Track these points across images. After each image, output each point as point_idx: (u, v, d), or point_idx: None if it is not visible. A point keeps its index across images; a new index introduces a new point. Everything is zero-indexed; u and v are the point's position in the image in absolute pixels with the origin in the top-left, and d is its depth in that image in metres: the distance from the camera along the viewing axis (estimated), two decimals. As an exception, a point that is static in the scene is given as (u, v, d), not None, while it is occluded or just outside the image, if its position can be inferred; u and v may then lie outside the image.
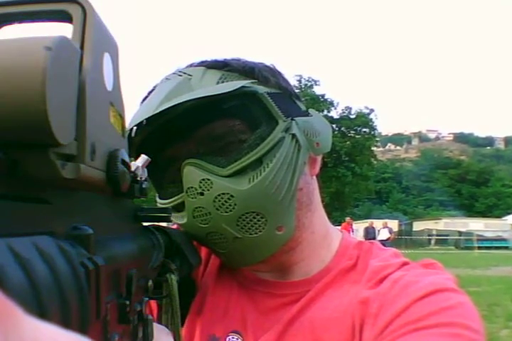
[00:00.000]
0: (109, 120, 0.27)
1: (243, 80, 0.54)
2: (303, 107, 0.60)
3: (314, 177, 0.61)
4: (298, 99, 0.60)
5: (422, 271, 0.54)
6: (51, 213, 0.22)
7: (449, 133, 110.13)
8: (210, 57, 0.58)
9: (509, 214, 36.91)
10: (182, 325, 0.55)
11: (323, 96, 24.48)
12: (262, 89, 0.54)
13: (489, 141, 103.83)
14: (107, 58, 0.26)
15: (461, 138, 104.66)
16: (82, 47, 0.24)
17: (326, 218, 0.64)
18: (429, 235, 26.18)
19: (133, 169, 0.33)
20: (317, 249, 0.60)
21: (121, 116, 0.29)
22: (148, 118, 0.50)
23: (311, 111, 0.61)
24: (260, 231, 0.52)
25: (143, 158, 0.36)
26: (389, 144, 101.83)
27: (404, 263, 0.56)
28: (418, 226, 30.56)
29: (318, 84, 24.58)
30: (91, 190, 0.27)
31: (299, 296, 0.56)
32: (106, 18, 0.26)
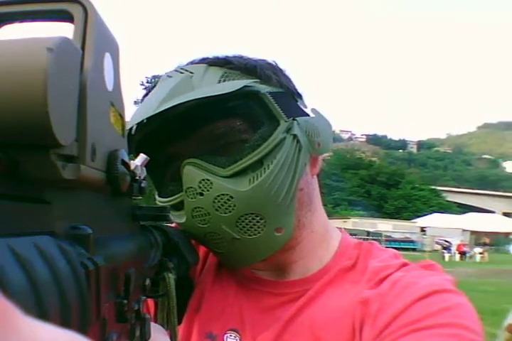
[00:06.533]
0: (110, 120, 0.27)
1: (245, 79, 0.53)
2: (304, 106, 0.60)
3: (315, 176, 0.60)
4: (300, 98, 0.59)
5: (421, 272, 0.54)
6: (51, 213, 0.22)
7: (362, 135, 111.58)
8: (210, 53, 0.58)
9: (418, 216, 36.86)
10: (179, 323, 0.55)
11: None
12: (264, 88, 0.53)
13: (402, 144, 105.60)
14: (107, 58, 0.26)
15: (374, 140, 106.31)
16: (83, 47, 0.24)
17: (326, 217, 0.63)
18: (336, 234, 25.75)
19: (132, 168, 0.33)
20: (316, 248, 0.60)
21: (121, 116, 0.29)
22: (149, 117, 0.50)
23: (312, 110, 0.60)
24: (259, 233, 0.52)
25: (142, 157, 0.36)
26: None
27: (404, 264, 0.56)
28: (326, 224, 30.30)
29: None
30: (91, 190, 0.27)
31: (298, 295, 0.56)
32: (107, 17, 0.26)
